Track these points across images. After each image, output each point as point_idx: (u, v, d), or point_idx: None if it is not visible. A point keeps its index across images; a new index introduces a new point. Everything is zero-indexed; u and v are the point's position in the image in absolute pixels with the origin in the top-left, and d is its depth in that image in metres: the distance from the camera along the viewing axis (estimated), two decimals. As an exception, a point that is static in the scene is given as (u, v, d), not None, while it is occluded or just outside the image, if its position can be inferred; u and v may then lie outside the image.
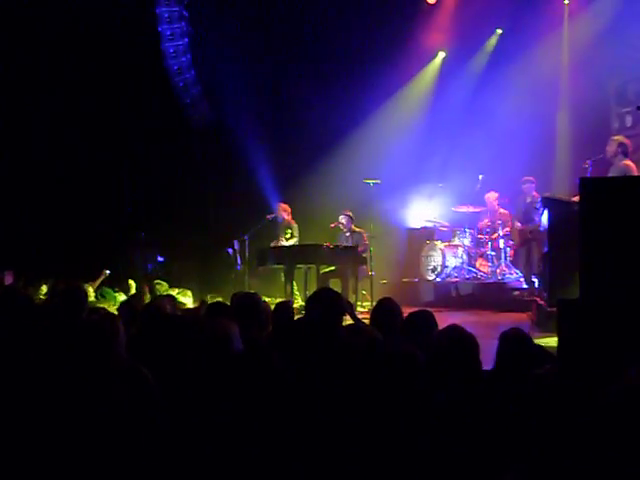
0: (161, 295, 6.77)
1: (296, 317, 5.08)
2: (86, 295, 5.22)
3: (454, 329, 3.25)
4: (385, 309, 4.65)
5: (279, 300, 9.73)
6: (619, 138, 8.36)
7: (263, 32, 13.29)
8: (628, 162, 7.93)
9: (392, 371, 2.90)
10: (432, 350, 3.18)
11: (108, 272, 9.78)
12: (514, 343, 3.46)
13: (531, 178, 10.97)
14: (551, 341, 5.29)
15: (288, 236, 11.73)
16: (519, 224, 11.26)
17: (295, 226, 11.84)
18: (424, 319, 4.20)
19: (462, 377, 3.03)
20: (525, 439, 2.45)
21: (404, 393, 2.82)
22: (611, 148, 8.14)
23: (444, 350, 3.10)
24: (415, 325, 4.15)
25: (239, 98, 13.33)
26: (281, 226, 11.93)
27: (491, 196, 11.83)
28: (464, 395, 2.96)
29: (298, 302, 10.76)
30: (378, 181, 10.78)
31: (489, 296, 10.99)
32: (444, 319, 4.32)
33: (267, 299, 9.42)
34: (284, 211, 11.88)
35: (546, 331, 6.50)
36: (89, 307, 5.14)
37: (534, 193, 10.77)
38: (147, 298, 6.31)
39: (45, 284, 9.07)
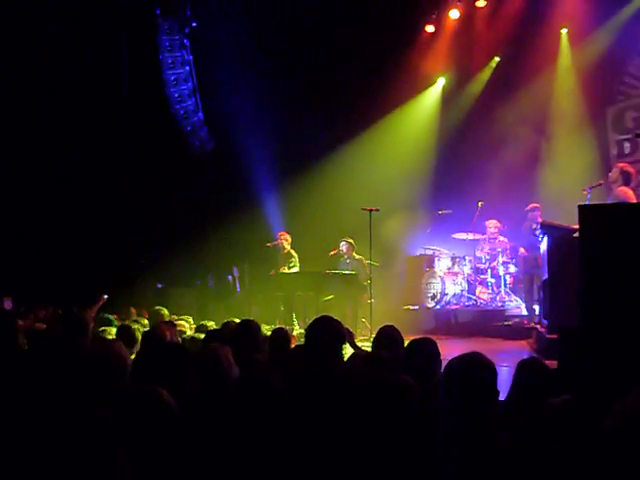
0: (162, 322, 6.74)
1: (295, 344, 5.06)
2: (89, 321, 5.23)
3: (475, 355, 3.20)
4: (387, 337, 4.63)
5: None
6: (623, 166, 8.34)
7: (263, 61, 13.39)
8: (624, 189, 7.92)
9: (388, 398, 2.88)
10: (451, 375, 3.14)
11: (106, 297, 9.74)
12: (531, 372, 3.44)
13: (537, 205, 10.77)
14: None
15: (292, 265, 11.70)
16: (524, 251, 11.16)
17: (295, 256, 11.82)
18: (426, 347, 4.16)
19: (481, 403, 3.00)
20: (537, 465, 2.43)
21: (401, 419, 2.80)
22: (613, 175, 8.13)
23: (464, 375, 3.05)
24: (417, 353, 4.12)
25: (239, 125, 13.39)
26: (281, 254, 11.91)
27: (491, 224, 11.82)
28: (482, 420, 2.94)
29: (297, 329, 10.71)
30: (377, 209, 10.77)
31: (489, 323, 10.95)
32: (444, 347, 4.29)
33: (266, 326, 9.39)
34: (285, 240, 11.87)
35: (546, 358, 6.46)
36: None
37: (540, 220, 10.53)
38: (146, 324, 6.29)
39: (45, 310, 9.03)
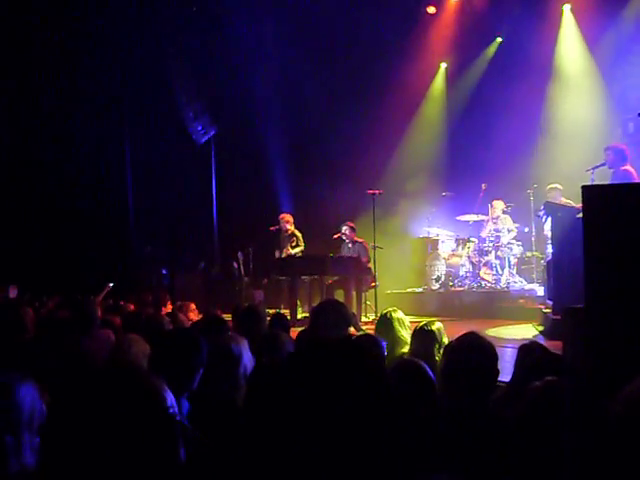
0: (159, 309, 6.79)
1: (300, 329, 5.06)
2: (96, 308, 5.24)
3: (473, 336, 3.21)
4: (387, 321, 4.64)
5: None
6: (615, 145, 8.36)
7: (270, 45, 13.34)
8: (627, 167, 7.93)
9: (400, 382, 2.88)
10: (449, 357, 3.15)
11: (112, 285, 9.77)
12: (532, 356, 3.44)
13: (558, 185, 10.10)
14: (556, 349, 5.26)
15: (294, 244, 11.71)
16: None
17: (299, 235, 11.83)
18: (432, 334, 4.15)
19: (480, 384, 3.00)
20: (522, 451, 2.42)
21: (413, 402, 2.81)
22: (609, 156, 8.15)
23: (463, 357, 3.06)
24: (423, 339, 4.12)
25: (242, 109, 13.36)
26: (285, 237, 11.91)
27: (497, 204, 11.80)
28: (483, 402, 2.94)
29: (301, 313, 10.73)
30: (380, 191, 10.77)
31: (493, 305, 10.94)
32: (448, 329, 4.29)
33: (271, 311, 9.42)
34: (287, 222, 11.87)
35: (551, 339, 6.48)
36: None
37: (562, 199, 9.69)
38: (150, 312, 6.31)
39: (50, 297, 9.06)
